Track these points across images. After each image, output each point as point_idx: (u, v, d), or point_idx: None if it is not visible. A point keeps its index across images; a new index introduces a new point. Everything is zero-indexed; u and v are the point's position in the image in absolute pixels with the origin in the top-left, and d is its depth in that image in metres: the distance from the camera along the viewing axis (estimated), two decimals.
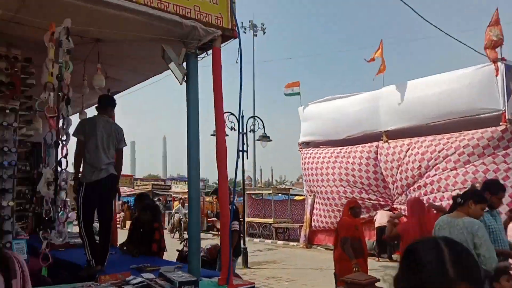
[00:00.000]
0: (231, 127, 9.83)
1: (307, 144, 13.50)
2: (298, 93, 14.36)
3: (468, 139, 7.95)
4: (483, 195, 3.66)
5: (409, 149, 9.53)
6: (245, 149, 10.61)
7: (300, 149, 13.52)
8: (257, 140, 12.33)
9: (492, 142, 7.39)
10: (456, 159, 7.95)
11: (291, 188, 21.35)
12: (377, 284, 4.31)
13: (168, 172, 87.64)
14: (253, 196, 18.65)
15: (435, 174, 8.37)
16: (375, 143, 10.62)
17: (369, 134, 10.95)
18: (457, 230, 3.44)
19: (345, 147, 11.46)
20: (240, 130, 11.14)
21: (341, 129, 11.77)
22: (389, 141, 10.20)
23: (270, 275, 8.65)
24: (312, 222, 12.62)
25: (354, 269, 4.86)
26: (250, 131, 11.60)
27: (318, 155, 12.47)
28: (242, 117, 11.15)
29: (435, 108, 8.99)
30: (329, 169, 11.82)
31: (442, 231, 3.60)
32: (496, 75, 7.84)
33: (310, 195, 12.94)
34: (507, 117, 7.40)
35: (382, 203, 10.23)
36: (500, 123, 7.47)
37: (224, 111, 3.45)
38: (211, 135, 6.65)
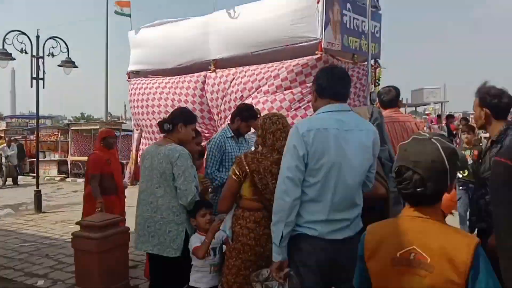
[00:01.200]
0: (22, 49, 8.29)
1: (136, 74, 12.09)
2: (129, 15, 12.72)
3: (286, 67, 7.61)
4: (192, 115, 3.41)
5: (233, 79, 8.97)
6: (41, 76, 8.96)
7: (129, 79, 12.08)
8: (59, 65, 10.47)
9: (305, 70, 7.19)
10: (271, 88, 7.68)
11: (123, 123, 19.85)
12: None
13: (18, 109, 78.58)
14: (84, 134, 16.80)
15: (251, 104, 8.06)
16: (203, 73, 9.80)
17: (199, 63, 10.03)
18: (157, 160, 3.09)
19: (174, 77, 10.43)
20: (35, 53, 9.34)
21: (170, 57, 10.60)
22: (217, 70, 9.48)
23: (60, 219, 7.53)
24: (138, 158, 11.59)
25: (97, 209, 4.48)
26: (48, 55, 9.75)
27: (146, 86, 11.21)
28: (38, 37, 9.32)
29: (261, 36, 8.46)
30: (155, 101, 10.71)
31: (145, 161, 3.20)
32: (317, 2, 7.49)
33: (137, 130, 11.81)
34: (323, 46, 7.16)
35: (207, 135, 9.71)
36: (316, 52, 7.21)
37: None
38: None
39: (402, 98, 14.17)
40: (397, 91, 4.18)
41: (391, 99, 3.97)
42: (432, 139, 1.43)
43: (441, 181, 1.41)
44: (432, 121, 10.95)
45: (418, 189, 1.39)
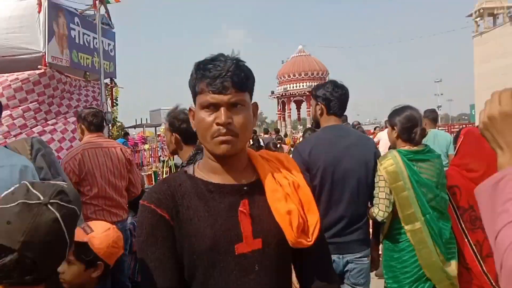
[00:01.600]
0: None
1: None
2: None
3: (1, 82, 6.45)
4: None
5: None
6: None
7: None
8: None
9: (26, 86, 6.26)
10: None
11: None
12: None
13: None
14: None
15: None
16: None
17: None
18: None
19: None
20: None
21: None
22: None
23: None
24: None
25: None
26: None
27: None
28: None
29: None
30: None
31: None
32: (39, 12, 6.67)
33: None
34: (47, 60, 6.39)
35: None
36: (39, 66, 6.38)
37: None
38: None
39: (141, 119, 14.48)
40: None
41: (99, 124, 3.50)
42: (49, 206, 1.03)
43: (58, 258, 1.11)
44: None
45: (28, 277, 1.04)
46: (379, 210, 2.41)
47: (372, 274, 2.70)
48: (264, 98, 33.00)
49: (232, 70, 1.09)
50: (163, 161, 7.10)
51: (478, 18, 18.15)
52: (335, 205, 2.39)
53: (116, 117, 11.11)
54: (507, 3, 17.03)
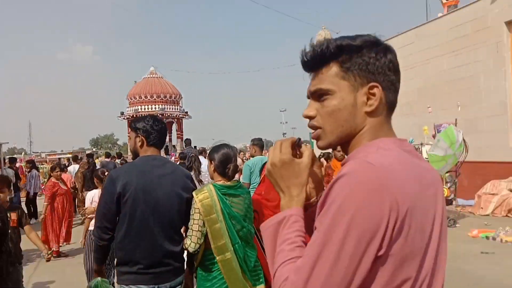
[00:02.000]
0: None
1: None
2: None
3: None
4: None
5: None
6: None
7: None
8: None
9: None
10: None
11: None
12: None
13: None
14: None
15: None
16: None
17: None
18: None
19: None
20: None
21: None
22: None
23: None
24: None
25: None
26: None
27: None
28: None
29: None
30: None
31: None
32: None
33: None
34: None
35: None
36: None
37: None
38: None
39: None
40: None
41: None
42: None
43: None
44: None
45: None
46: (191, 242, 2.47)
47: None
48: (114, 119, 30.97)
49: None
50: None
51: None
52: (148, 234, 2.40)
53: None
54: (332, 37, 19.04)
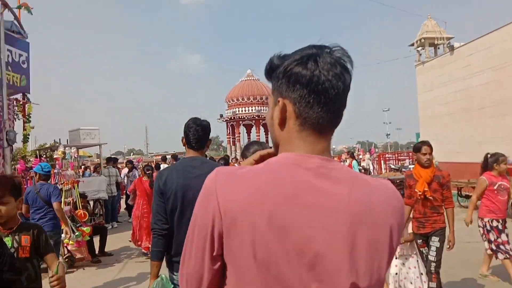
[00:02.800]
0: None
1: None
2: None
3: None
4: None
5: None
6: None
7: None
8: None
9: None
10: None
11: None
12: None
13: None
14: None
15: None
16: None
17: None
18: None
19: None
20: None
21: None
22: None
23: None
24: None
25: None
26: None
27: None
28: None
29: None
30: None
31: None
32: None
33: None
34: None
35: None
36: None
37: None
38: None
39: (60, 139, 13.27)
40: None
41: None
42: None
43: None
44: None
45: None
46: None
47: None
48: (214, 117, 32.40)
49: None
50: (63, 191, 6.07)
51: (420, 48, 18.59)
52: (185, 225, 2.28)
53: (28, 135, 9.94)
54: (446, 34, 17.56)
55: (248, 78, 30.06)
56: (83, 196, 7.26)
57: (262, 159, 1.07)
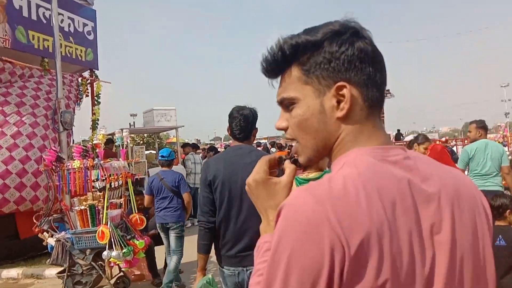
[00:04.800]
0: None
1: None
2: None
3: None
4: None
5: None
6: None
7: None
8: None
9: None
10: None
11: None
12: None
13: None
14: None
15: None
16: None
17: None
18: None
19: None
20: None
21: None
22: None
23: None
24: None
25: None
26: None
27: None
28: None
29: None
30: None
31: None
32: None
33: None
34: None
35: None
36: None
37: None
38: None
39: (134, 123, 12.31)
40: None
41: None
42: None
43: None
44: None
45: None
46: None
47: None
48: None
49: None
50: (101, 188, 4.50)
51: None
52: (234, 217, 2.60)
53: (98, 119, 8.80)
54: None
55: None
56: (139, 193, 5.71)
57: (270, 165, 0.97)
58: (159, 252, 5.54)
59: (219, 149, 10.89)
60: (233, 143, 2.85)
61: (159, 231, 5.15)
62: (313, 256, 0.68)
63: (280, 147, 14.29)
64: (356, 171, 0.75)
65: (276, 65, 0.85)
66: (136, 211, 4.95)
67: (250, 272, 2.47)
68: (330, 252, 0.67)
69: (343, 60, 0.79)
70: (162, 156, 5.32)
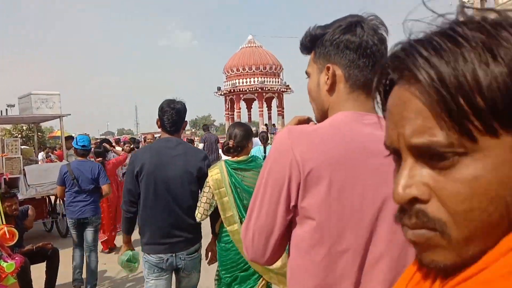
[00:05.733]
0: None
1: None
2: None
3: None
4: None
5: None
6: None
7: None
8: None
9: None
10: None
11: None
12: None
13: None
14: None
15: None
16: None
17: None
18: None
19: None
20: None
21: None
22: None
23: None
24: None
25: None
26: None
27: None
28: None
29: None
30: None
31: None
32: None
33: None
34: None
35: None
36: None
37: None
38: None
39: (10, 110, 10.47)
40: None
41: None
42: None
43: None
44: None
45: None
46: (198, 212, 2.77)
47: None
48: (211, 96, 29.24)
49: None
50: None
51: None
52: (162, 207, 2.76)
53: None
54: None
55: (249, 45, 26.87)
56: (8, 196, 4.43)
57: (303, 122, 1.21)
58: (38, 270, 4.35)
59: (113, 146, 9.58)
60: (163, 135, 2.97)
61: (70, 227, 4.76)
62: (279, 171, 1.03)
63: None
64: (329, 122, 1.08)
65: (305, 48, 1.19)
66: (4, 222, 3.75)
67: (179, 258, 2.80)
68: (290, 171, 1.01)
69: (334, 47, 1.09)
70: (83, 146, 4.83)
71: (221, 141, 10.03)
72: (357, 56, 1.06)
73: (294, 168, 0.99)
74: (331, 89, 1.10)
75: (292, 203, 1.02)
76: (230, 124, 26.80)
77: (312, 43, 1.14)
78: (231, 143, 2.84)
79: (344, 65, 1.07)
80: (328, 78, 1.09)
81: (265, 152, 7.10)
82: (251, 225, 1.08)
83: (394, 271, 0.97)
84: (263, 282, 2.83)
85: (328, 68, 1.09)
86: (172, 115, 2.82)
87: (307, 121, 1.20)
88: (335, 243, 0.98)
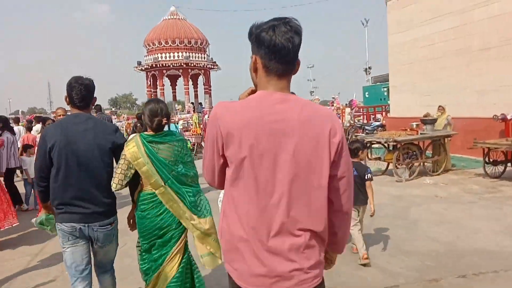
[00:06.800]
0: None
1: None
2: None
3: None
4: None
5: None
6: None
7: None
8: None
9: None
10: None
11: None
12: None
13: None
14: None
15: None
16: None
17: None
18: None
19: None
20: None
21: None
22: None
23: None
24: None
25: None
26: None
27: None
28: None
29: None
30: None
31: None
32: None
33: None
34: None
35: None
36: None
37: None
38: None
39: None
40: None
41: None
42: None
43: None
44: None
45: None
46: (113, 182, 3.00)
47: None
48: (132, 72, 26.77)
49: None
50: None
51: None
52: (74, 180, 2.87)
53: None
54: None
55: (172, 17, 24.91)
56: None
57: (252, 92, 1.74)
58: None
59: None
60: (72, 111, 3.06)
61: None
62: (211, 133, 1.66)
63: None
64: (248, 98, 1.67)
65: (248, 39, 1.69)
66: None
67: (92, 228, 2.93)
68: (216, 133, 1.62)
69: (255, 43, 1.64)
70: None
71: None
72: (269, 50, 1.60)
73: (218, 131, 1.61)
74: (255, 72, 1.70)
75: (221, 153, 1.65)
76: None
77: (249, 36, 1.67)
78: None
79: (261, 56, 1.63)
80: (253, 65, 1.68)
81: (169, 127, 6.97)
82: (204, 164, 1.79)
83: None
84: (181, 245, 3.18)
85: (252, 57, 1.69)
86: (81, 90, 2.96)
87: (253, 92, 1.74)
88: (247, 178, 1.59)
